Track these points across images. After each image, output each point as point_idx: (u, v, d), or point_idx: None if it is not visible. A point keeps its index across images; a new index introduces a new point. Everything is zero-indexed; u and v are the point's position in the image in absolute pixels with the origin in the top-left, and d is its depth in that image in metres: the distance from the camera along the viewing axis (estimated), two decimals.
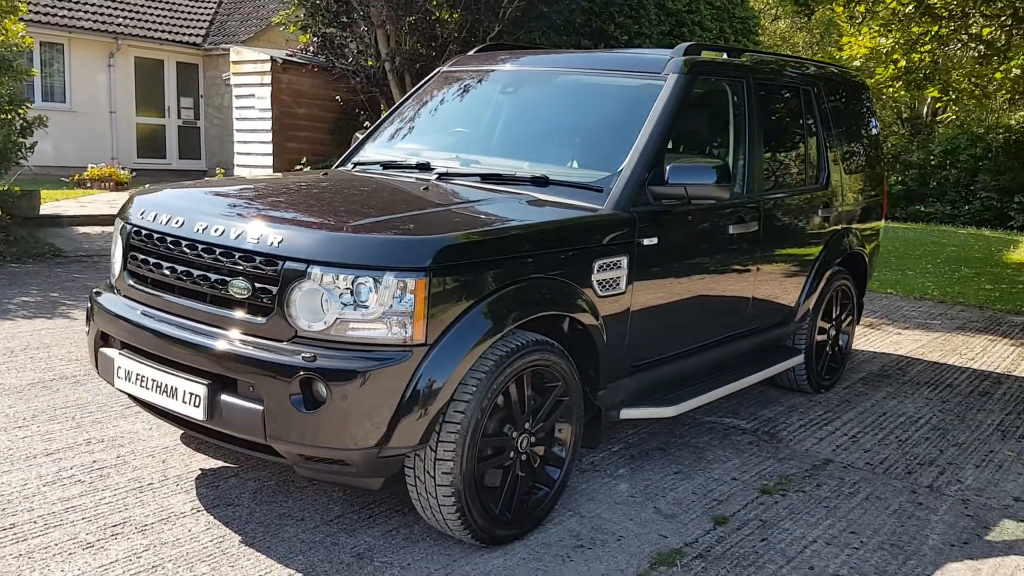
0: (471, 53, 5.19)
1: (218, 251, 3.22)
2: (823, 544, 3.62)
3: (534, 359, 3.34)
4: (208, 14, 20.90)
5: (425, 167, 4.26)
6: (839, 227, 5.59)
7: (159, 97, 19.93)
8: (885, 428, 5.16)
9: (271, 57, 13.52)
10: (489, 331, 3.17)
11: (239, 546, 3.33)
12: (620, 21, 13.53)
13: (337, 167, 4.79)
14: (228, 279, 3.19)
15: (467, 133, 4.68)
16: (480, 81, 4.85)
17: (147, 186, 4.24)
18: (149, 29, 19.23)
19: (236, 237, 3.17)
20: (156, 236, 3.44)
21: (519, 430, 3.39)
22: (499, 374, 3.20)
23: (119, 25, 18.68)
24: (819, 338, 5.58)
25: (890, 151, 21.45)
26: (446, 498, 3.19)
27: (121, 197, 13.76)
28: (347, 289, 3.02)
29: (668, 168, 3.87)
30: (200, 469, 3.99)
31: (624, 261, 3.77)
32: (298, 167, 13.51)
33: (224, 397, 3.11)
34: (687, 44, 4.45)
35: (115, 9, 19.07)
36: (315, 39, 13.21)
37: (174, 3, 20.51)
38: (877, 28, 13.23)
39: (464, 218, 3.52)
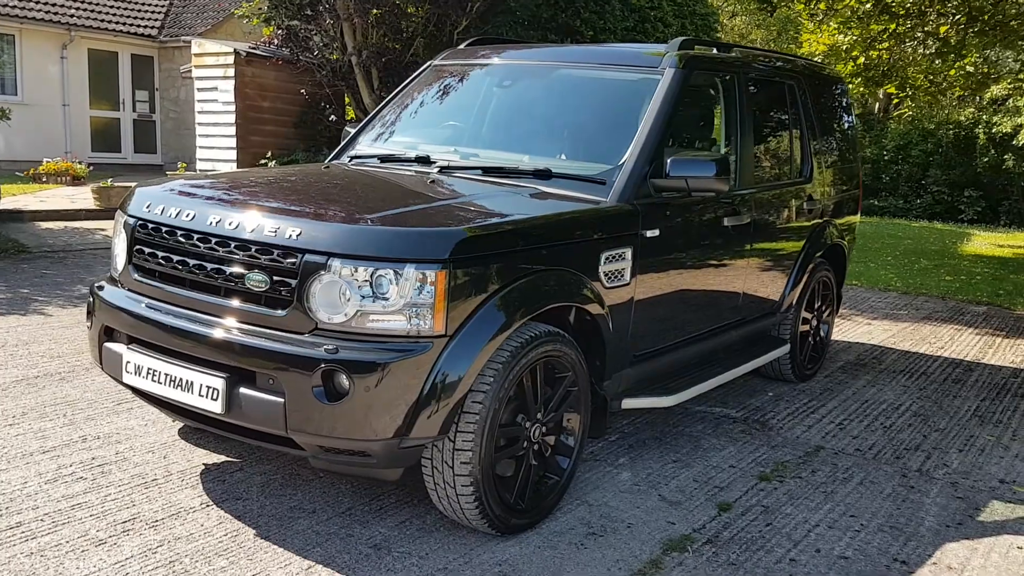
0: (461, 47, 5.20)
1: (233, 244, 3.19)
2: (826, 528, 3.72)
3: (547, 350, 3.38)
4: (163, 6, 20.55)
5: (425, 160, 4.26)
6: (821, 220, 5.71)
7: (113, 90, 19.56)
8: (869, 415, 5.29)
9: (235, 49, 13.34)
10: (506, 322, 3.19)
11: (254, 539, 3.31)
12: (585, 16, 13.60)
13: (331, 161, 4.76)
14: (244, 272, 3.17)
15: (463, 127, 4.69)
16: (475, 75, 4.87)
17: (149, 179, 4.18)
18: (103, 20, 18.85)
19: (252, 230, 3.15)
20: (165, 230, 3.41)
21: (532, 420, 3.43)
22: (515, 365, 3.23)
23: (72, 16, 18.28)
24: (803, 328, 5.70)
25: None
26: (464, 488, 3.21)
27: (80, 192, 13.49)
28: (367, 281, 3.02)
29: (669, 161, 3.93)
30: (203, 464, 3.96)
31: (628, 253, 3.82)
32: (263, 161, 13.38)
33: (243, 390, 3.09)
34: (681, 39, 4.52)
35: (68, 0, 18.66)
36: (279, 32, 13.06)
37: None
38: (836, 26, 13.47)
39: (477, 211, 3.54)
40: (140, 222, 3.53)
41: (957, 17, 12.65)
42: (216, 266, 3.24)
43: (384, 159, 4.48)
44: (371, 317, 3.04)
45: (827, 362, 6.40)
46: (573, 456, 3.68)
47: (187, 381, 3.19)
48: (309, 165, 4.67)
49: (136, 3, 20.08)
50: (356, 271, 3.02)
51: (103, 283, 3.74)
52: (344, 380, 2.97)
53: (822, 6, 13.35)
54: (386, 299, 3.02)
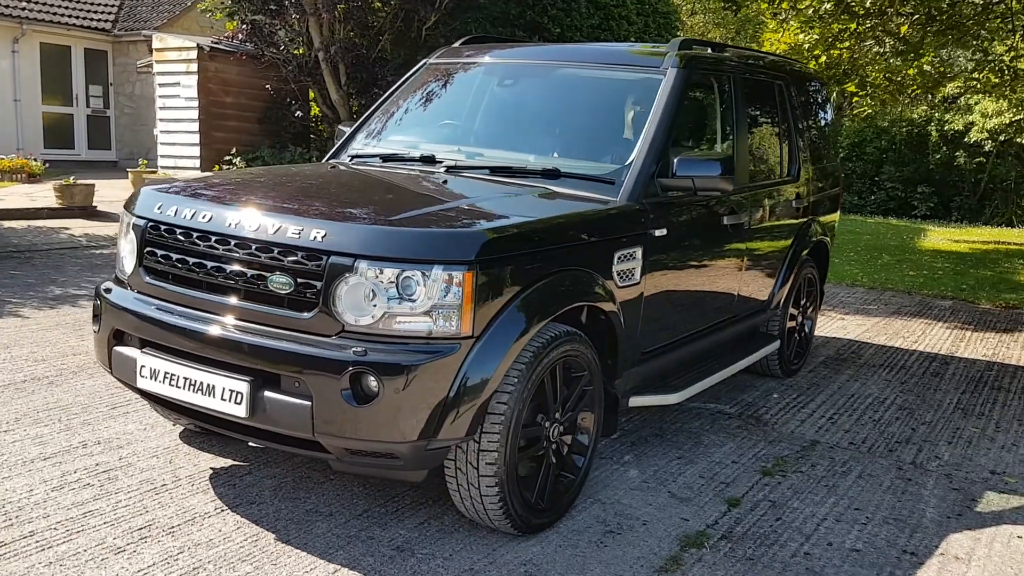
0: (455, 46, 5.18)
1: (254, 246, 3.16)
2: (833, 521, 3.79)
3: (565, 350, 3.40)
4: None
5: (430, 160, 4.25)
6: (807, 218, 5.81)
7: (66, 85, 19.12)
8: (857, 409, 5.40)
9: (197, 45, 13.13)
10: (530, 322, 3.21)
11: (275, 544, 3.29)
12: (553, 14, 13.64)
13: (330, 160, 4.72)
14: (266, 275, 3.14)
15: (464, 126, 4.68)
16: (474, 74, 4.87)
17: (152, 178, 4.10)
18: (55, 14, 18.40)
19: (274, 232, 3.12)
20: (179, 232, 3.36)
21: (551, 420, 3.44)
22: (537, 365, 3.25)
23: (23, 9, 17.82)
24: (790, 324, 5.80)
25: None
26: (489, 488, 3.22)
27: (39, 190, 13.17)
28: (394, 283, 3.01)
29: (676, 161, 3.97)
30: (211, 468, 3.91)
31: (639, 252, 3.86)
32: (227, 158, 13.19)
33: (267, 394, 3.06)
34: (680, 39, 4.57)
35: None
36: (244, 27, 12.88)
37: None
38: (799, 25, 13.68)
39: (497, 211, 3.54)
40: (151, 224, 3.47)
41: (916, 17, 12.94)
42: (236, 268, 3.21)
43: (386, 158, 4.45)
44: (398, 319, 3.03)
45: (809, 357, 6.52)
46: (588, 455, 3.71)
47: (208, 385, 3.15)
48: (312, 165, 4.62)
49: None
50: (383, 273, 3.01)
51: (110, 285, 3.67)
52: (373, 382, 2.96)
53: (784, 5, 13.56)
54: (413, 301, 3.01)
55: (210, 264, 3.27)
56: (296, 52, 13.02)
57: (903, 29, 12.50)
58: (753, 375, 5.89)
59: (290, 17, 12.53)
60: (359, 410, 2.97)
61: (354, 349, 2.97)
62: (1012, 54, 14.43)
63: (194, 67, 13.10)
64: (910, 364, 6.62)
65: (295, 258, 3.09)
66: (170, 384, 3.25)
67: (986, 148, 19.85)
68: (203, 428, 3.90)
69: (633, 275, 3.84)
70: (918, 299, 9.55)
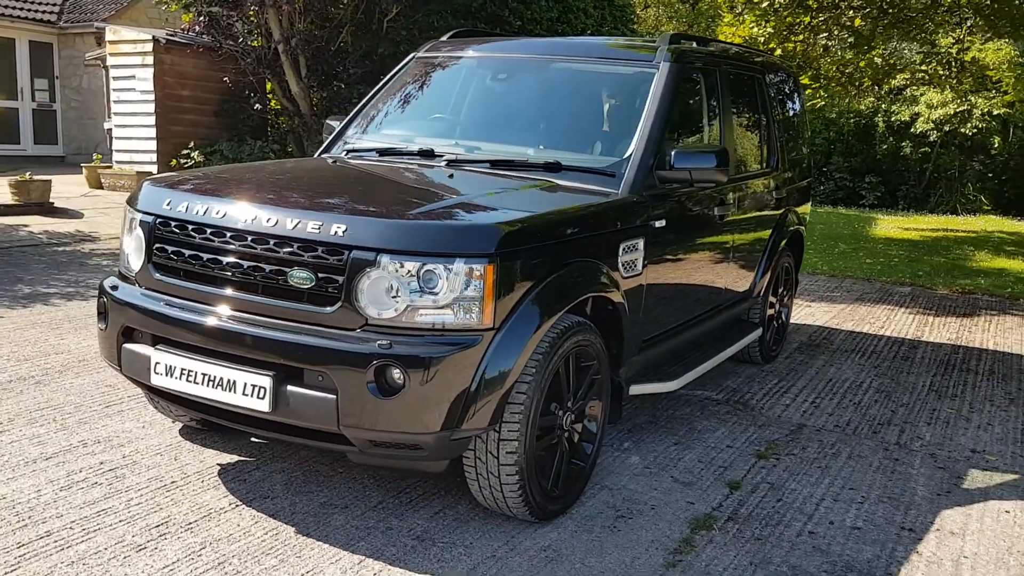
0: (444, 39, 5.21)
1: (272, 242, 3.16)
2: (832, 501, 3.92)
3: (578, 340, 3.46)
4: None
5: (429, 154, 4.28)
6: (784, 208, 5.96)
7: (10, 78, 18.57)
8: (837, 393, 5.57)
9: (153, 37, 12.89)
10: (548, 313, 3.27)
11: (296, 536, 3.30)
12: (513, 6, 13.68)
13: (323, 154, 4.72)
14: (286, 270, 3.14)
15: (459, 119, 4.71)
16: (466, 67, 4.89)
17: (158, 174, 4.06)
18: None
19: (293, 227, 3.13)
20: (192, 227, 3.34)
21: (563, 408, 3.51)
22: (553, 355, 3.31)
23: None
24: (769, 312, 5.94)
25: None
26: (509, 477, 3.27)
27: None
28: (416, 276, 3.04)
29: (673, 153, 4.06)
30: (218, 464, 3.90)
31: (641, 243, 3.94)
32: (185, 151, 13.00)
33: (290, 388, 3.08)
34: (670, 34, 4.66)
35: None
36: (201, 19, 12.67)
37: None
38: (754, 19, 13.92)
39: (509, 205, 3.58)
40: (160, 220, 3.45)
41: (868, 10, 13.27)
42: (253, 264, 3.21)
43: (383, 152, 4.46)
44: (420, 312, 3.06)
45: (784, 344, 6.68)
46: (596, 442, 3.78)
47: (229, 381, 3.15)
48: (310, 160, 4.61)
49: None
50: (406, 266, 3.04)
51: (115, 282, 3.64)
52: (398, 375, 2.99)
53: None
54: (435, 294, 3.05)
55: (225, 260, 3.26)
56: (254, 44, 12.86)
57: (856, 22, 12.80)
58: (735, 362, 6.02)
59: (248, 9, 12.36)
60: (384, 402, 3.00)
61: (379, 342, 3.00)
62: (958, 46, 14.87)
63: (150, 60, 12.86)
64: (880, 349, 6.83)
65: (316, 253, 3.10)
66: (187, 380, 3.24)
67: (931, 138, 20.43)
68: (214, 424, 3.92)
69: (636, 266, 3.92)
70: (878, 286, 9.82)
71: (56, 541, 3.17)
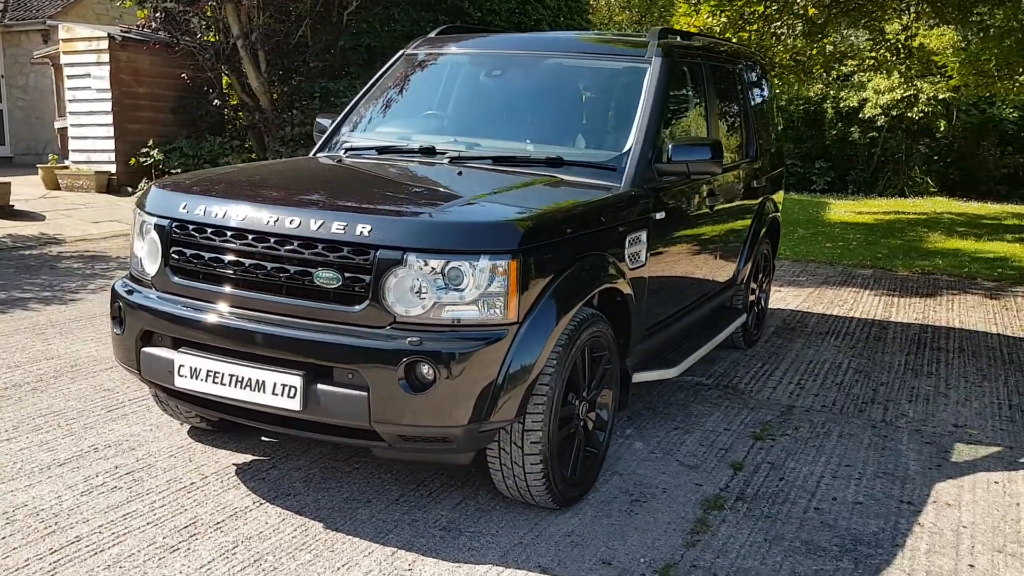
0: (432, 35, 5.25)
1: (296, 243, 3.21)
2: (831, 478, 4.09)
3: (592, 331, 3.57)
4: None
5: (430, 152, 4.34)
6: (763, 196, 6.13)
7: None
8: (819, 374, 5.76)
9: (108, 34, 12.67)
10: (568, 305, 3.36)
11: (325, 532, 3.36)
12: None
13: (318, 153, 4.74)
14: (311, 270, 3.19)
15: (455, 116, 4.77)
16: (459, 63, 4.95)
17: (167, 177, 4.06)
18: None
19: (318, 228, 3.18)
20: (212, 230, 3.37)
21: (579, 398, 3.61)
22: (572, 346, 3.41)
23: None
24: (751, 298, 6.12)
25: None
26: (533, 466, 3.37)
27: None
28: (443, 273, 3.11)
29: (671, 147, 4.18)
30: (234, 464, 3.94)
31: (644, 235, 4.06)
32: (144, 149, 12.83)
33: (321, 387, 3.13)
34: (659, 28, 4.77)
35: None
36: (157, 15, 12.49)
37: None
38: (709, 8, 14.14)
39: (524, 201, 3.66)
40: (177, 223, 3.47)
41: None
42: (277, 265, 3.25)
43: (383, 151, 4.51)
44: (447, 308, 3.13)
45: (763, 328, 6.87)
46: (608, 430, 3.90)
47: (258, 381, 3.19)
48: (314, 159, 4.62)
49: None
50: (432, 264, 3.11)
51: (130, 286, 3.64)
52: (429, 370, 3.06)
53: None
54: (462, 290, 3.13)
55: (248, 262, 3.30)
56: (211, 39, 12.71)
57: (811, 11, 13.07)
58: (719, 347, 6.16)
59: (205, 4, 12.22)
60: (416, 398, 3.07)
61: (410, 339, 3.07)
62: (905, 33, 15.26)
63: (105, 57, 12.64)
64: (853, 330, 7.05)
65: (341, 253, 3.15)
66: (213, 382, 3.28)
67: (879, 123, 20.90)
68: (224, 425, 3.96)
69: (640, 257, 4.03)
70: (840, 269, 10.09)
71: (88, 546, 3.19)
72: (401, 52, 5.18)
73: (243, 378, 3.22)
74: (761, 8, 14.05)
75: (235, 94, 13.22)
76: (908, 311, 7.84)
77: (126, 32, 13.04)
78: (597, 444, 3.83)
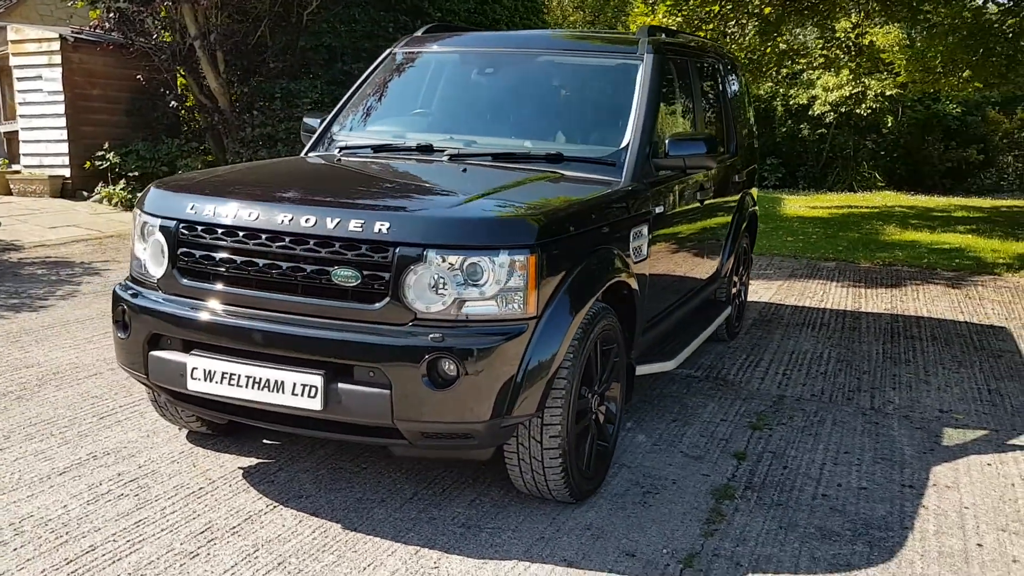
0: (418, 34, 5.22)
1: (312, 241, 3.18)
2: (832, 465, 4.17)
3: (604, 324, 3.59)
4: None
5: (427, 149, 4.32)
6: (743, 191, 6.22)
7: None
8: (802, 364, 5.86)
9: (60, 35, 12.36)
10: (583, 299, 3.38)
11: (344, 532, 3.33)
12: None
13: (310, 152, 4.69)
14: (328, 269, 3.16)
15: (449, 114, 4.75)
16: (450, 61, 4.94)
17: (165, 179, 3.98)
18: None
19: (335, 226, 3.15)
20: (222, 230, 3.31)
21: (591, 391, 3.63)
22: (587, 339, 3.43)
23: None
24: (733, 290, 6.20)
25: None
26: (552, 460, 3.38)
27: None
28: (462, 270, 3.11)
29: (668, 141, 4.23)
30: (239, 468, 3.88)
31: (646, 229, 4.09)
32: (100, 152, 12.55)
33: (341, 385, 3.10)
34: (648, 26, 4.82)
35: None
36: (110, 15, 12.20)
37: None
38: (666, 8, 14.30)
39: (535, 196, 3.67)
40: (184, 224, 3.41)
41: None
42: (292, 264, 3.21)
43: (378, 149, 4.48)
44: (467, 304, 3.13)
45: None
46: (617, 423, 3.92)
47: (276, 382, 3.15)
48: (310, 158, 4.56)
49: None
50: (452, 260, 3.10)
51: (134, 288, 3.57)
52: (451, 367, 3.05)
53: None
54: (481, 286, 3.12)
55: (262, 262, 3.25)
56: (166, 39, 12.46)
57: (767, 10, 13.30)
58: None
59: (160, 5, 11.97)
60: (439, 394, 3.06)
61: (432, 336, 3.06)
62: (857, 31, 15.61)
63: (57, 59, 12.31)
64: (827, 321, 7.19)
65: (359, 251, 3.13)
66: (229, 384, 3.23)
67: (827, 120, 21.34)
68: (223, 428, 3.91)
69: (642, 251, 4.07)
70: (805, 262, 10.28)
71: (104, 555, 3.12)
72: (389, 51, 5.15)
73: (260, 379, 3.18)
74: (716, 8, 14.26)
75: (192, 95, 12.99)
76: (877, 301, 8.02)
77: (78, 33, 12.72)
78: (607, 437, 3.86)
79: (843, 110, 20.90)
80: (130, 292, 3.55)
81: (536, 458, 3.38)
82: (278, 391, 3.16)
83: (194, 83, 12.65)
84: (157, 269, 3.50)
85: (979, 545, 3.44)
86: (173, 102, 13.01)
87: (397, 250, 3.10)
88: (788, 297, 8.14)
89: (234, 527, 3.35)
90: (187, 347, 3.37)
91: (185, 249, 3.41)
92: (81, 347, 5.64)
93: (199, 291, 3.38)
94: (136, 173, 12.28)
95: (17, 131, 13.14)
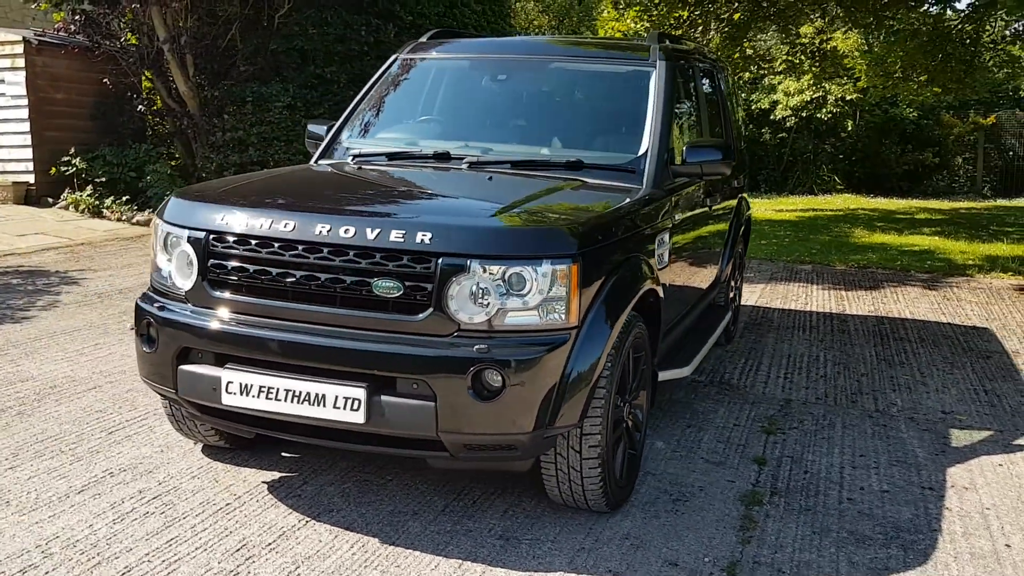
0: (423, 40, 5.18)
1: (352, 252, 3.13)
2: (851, 468, 4.22)
3: (636, 332, 3.59)
4: None
5: (444, 157, 4.28)
6: (739, 196, 6.28)
7: None
8: (801, 368, 5.93)
9: (23, 38, 12.05)
10: (621, 308, 3.38)
11: (383, 547, 3.29)
12: (403, 1, 13.61)
13: (320, 161, 4.62)
14: (368, 280, 3.12)
15: (463, 121, 4.72)
16: (460, 68, 4.91)
17: (185, 188, 3.90)
18: None
19: (375, 237, 3.11)
20: (257, 241, 3.25)
21: (623, 400, 3.63)
22: (623, 348, 3.43)
23: None
24: (730, 295, 6.25)
25: None
26: (591, 470, 3.37)
27: None
28: (505, 280, 3.09)
29: (685, 148, 4.26)
30: (263, 483, 3.81)
31: (667, 236, 4.11)
32: (66, 157, 12.26)
33: (384, 398, 3.06)
34: (657, 33, 4.84)
35: None
36: (76, 18, 11.94)
37: None
38: (635, 14, 14.40)
39: (568, 205, 3.65)
40: (215, 235, 3.34)
41: (744, 3, 13.98)
42: (331, 276, 3.16)
43: (393, 156, 4.43)
44: (510, 314, 3.11)
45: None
46: (643, 430, 3.92)
47: (317, 395, 3.10)
48: (324, 167, 4.47)
49: None
50: (494, 271, 3.08)
51: (160, 301, 3.48)
52: (496, 378, 3.03)
53: None
54: (524, 296, 3.11)
55: (299, 274, 3.20)
56: (132, 42, 12.23)
57: (736, 16, 13.45)
58: None
59: (127, 7, 11.75)
60: (483, 406, 3.03)
61: (477, 347, 3.03)
62: (821, 36, 15.86)
63: (20, 62, 11.99)
64: (815, 324, 7.28)
65: (401, 262, 3.09)
66: (266, 398, 3.17)
67: (788, 124, 21.65)
68: (241, 442, 3.84)
69: (664, 258, 4.08)
70: (782, 265, 10.40)
71: None
72: (395, 57, 5.09)
73: (300, 392, 3.12)
74: (685, 13, 14.40)
75: (160, 99, 12.75)
76: (859, 304, 8.14)
77: (42, 36, 12.42)
78: (635, 444, 3.86)
79: (804, 114, 21.22)
80: (156, 305, 3.46)
81: (575, 468, 3.37)
82: (319, 404, 3.10)
83: (162, 87, 12.44)
84: (184, 281, 3.42)
85: (1007, 546, 3.50)
86: (141, 107, 12.77)
87: (440, 260, 3.07)
88: (773, 300, 8.23)
89: (270, 543, 3.28)
90: (220, 361, 3.30)
91: (216, 261, 3.34)
92: (74, 359, 5.50)
93: (231, 303, 3.31)
94: (103, 179, 12.00)
95: None
